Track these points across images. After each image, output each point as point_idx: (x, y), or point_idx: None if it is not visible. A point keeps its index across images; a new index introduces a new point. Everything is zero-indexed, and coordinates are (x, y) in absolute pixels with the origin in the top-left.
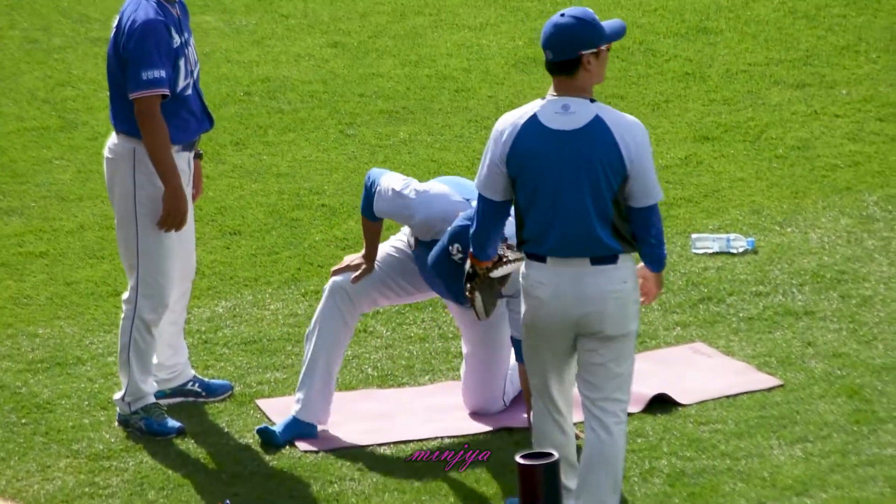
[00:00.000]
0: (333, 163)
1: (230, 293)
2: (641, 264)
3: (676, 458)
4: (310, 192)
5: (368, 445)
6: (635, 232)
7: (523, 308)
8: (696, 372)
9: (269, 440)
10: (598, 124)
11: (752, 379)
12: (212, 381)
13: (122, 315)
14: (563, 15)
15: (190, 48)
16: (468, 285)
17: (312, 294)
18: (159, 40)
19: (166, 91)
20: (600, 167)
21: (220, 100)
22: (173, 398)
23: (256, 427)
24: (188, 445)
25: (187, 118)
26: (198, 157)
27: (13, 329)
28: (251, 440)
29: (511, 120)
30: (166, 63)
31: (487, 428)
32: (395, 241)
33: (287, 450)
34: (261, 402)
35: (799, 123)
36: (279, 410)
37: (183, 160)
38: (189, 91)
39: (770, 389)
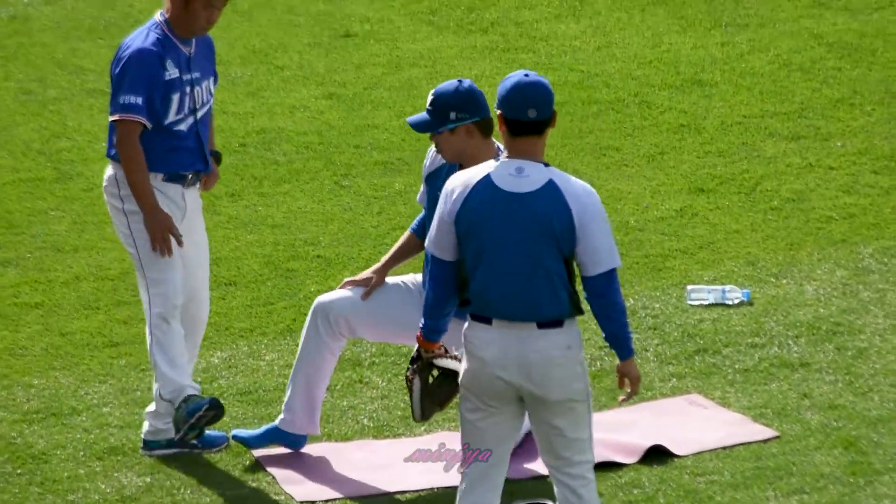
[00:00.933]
0: (329, 214)
1: (226, 344)
2: (618, 362)
3: None
4: (305, 242)
5: (365, 496)
6: (593, 308)
7: (463, 374)
8: (691, 423)
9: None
10: (550, 188)
11: (748, 430)
12: (208, 432)
13: (146, 317)
14: (527, 75)
15: (195, 86)
16: (410, 367)
17: None
18: (144, 69)
19: (140, 119)
20: (551, 231)
21: None
22: (169, 449)
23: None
24: (185, 496)
25: (179, 150)
26: (215, 157)
27: (8, 380)
28: (247, 491)
29: (463, 179)
30: (148, 93)
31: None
32: (410, 277)
33: (284, 500)
34: (257, 453)
35: (794, 175)
36: (276, 460)
37: (173, 191)
38: (182, 127)
39: (766, 441)
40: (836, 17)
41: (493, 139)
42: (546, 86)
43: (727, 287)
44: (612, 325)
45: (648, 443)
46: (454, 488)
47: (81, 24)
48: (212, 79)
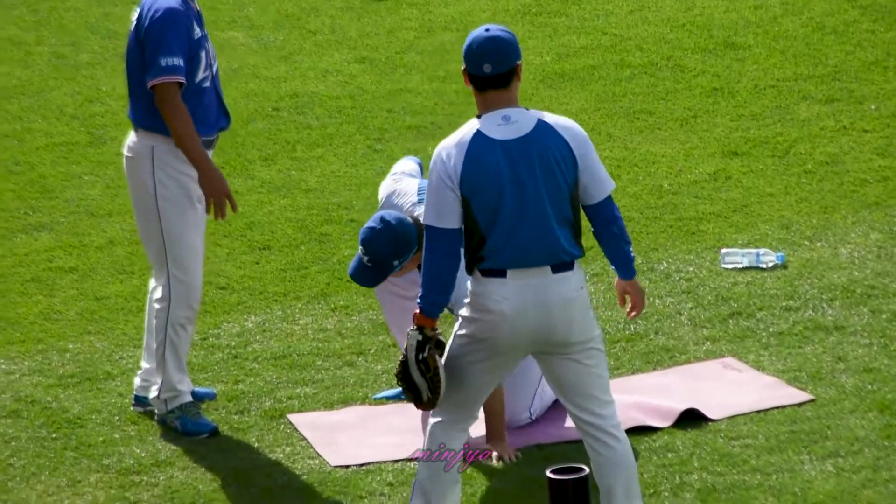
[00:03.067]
0: (362, 178)
1: (260, 308)
2: (617, 279)
3: (707, 473)
4: (338, 207)
5: (399, 460)
6: (598, 232)
7: (473, 326)
8: (726, 387)
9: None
10: (543, 127)
11: (782, 394)
12: (198, 388)
13: (156, 312)
14: (488, 30)
15: (209, 42)
16: (421, 353)
17: (342, 309)
18: (180, 29)
19: (182, 79)
20: (556, 167)
21: (248, 115)
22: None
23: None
24: (218, 460)
25: (205, 113)
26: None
27: (43, 344)
28: (282, 455)
29: (453, 142)
30: (185, 52)
31: (516, 444)
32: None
33: (318, 464)
34: (292, 417)
35: (828, 139)
36: (310, 424)
37: None
38: (207, 84)
39: (801, 404)
40: None
41: None
42: (501, 39)
43: (761, 250)
44: (622, 245)
45: (682, 407)
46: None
47: None
48: None
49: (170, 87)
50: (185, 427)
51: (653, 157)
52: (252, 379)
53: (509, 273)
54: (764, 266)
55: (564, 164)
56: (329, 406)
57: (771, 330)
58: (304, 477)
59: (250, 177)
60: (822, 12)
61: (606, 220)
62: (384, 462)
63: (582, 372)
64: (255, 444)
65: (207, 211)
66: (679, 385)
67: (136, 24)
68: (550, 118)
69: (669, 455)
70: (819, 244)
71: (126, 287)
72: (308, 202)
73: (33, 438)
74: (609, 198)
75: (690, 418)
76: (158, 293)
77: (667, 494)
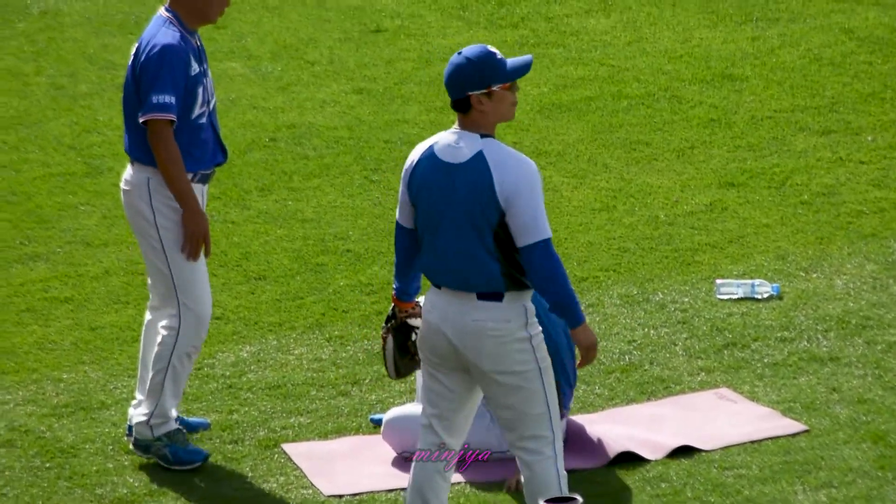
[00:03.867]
0: (358, 208)
1: (255, 338)
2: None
3: None
4: (335, 237)
5: (392, 489)
6: (530, 279)
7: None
8: (720, 417)
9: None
10: (477, 158)
11: (776, 424)
12: (191, 418)
13: (161, 339)
14: (459, 53)
15: (207, 78)
16: (385, 326)
17: (337, 339)
18: (176, 66)
19: (173, 117)
20: (476, 202)
21: (245, 146)
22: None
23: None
24: (212, 490)
25: (201, 149)
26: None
27: (38, 374)
28: (275, 484)
29: (417, 150)
30: (179, 90)
31: (507, 474)
32: None
33: (311, 494)
34: (286, 446)
35: (824, 170)
36: (304, 454)
37: (196, 192)
38: (203, 120)
39: (795, 435)
40: (867, 12)
41: None
42: (456, 67)
43: (757, 281)
44: (550, 295)
45: (676, 442)
46: (484, 483)
47: (112, 19)
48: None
49: (161, 124)
50: (177, 456)
51: (649, 187)
52: (246, 409)
53: (443, 288)
54: (759, 297)
55: (486, 204)
56: (323, 436)
57: (766, 361)
58: None
59: (247, 207)
60: (819, 44)
61: (529, 266)
62: (377, 491)
63: (499, 402)
64: (249, 474)
65: (184, 248)
66: (673, 416)
67: (134, 58)
68: (493, 152)
69: (663, 485)
70: (814, 275)
71: (121, 317)
72: (304, 232)
73: (27, 468)
74: (534, 246)
75: (684, 449)
76: (165, 321)
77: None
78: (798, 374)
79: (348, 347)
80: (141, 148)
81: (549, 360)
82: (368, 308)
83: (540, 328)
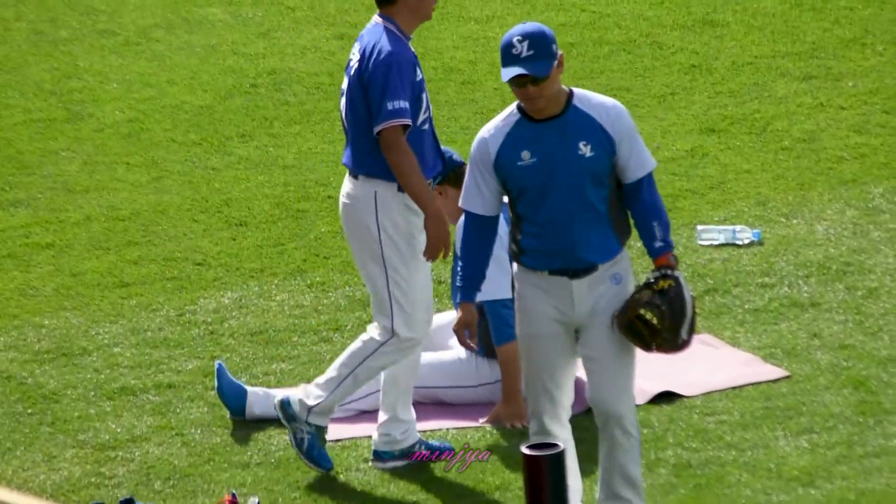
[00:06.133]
0: (339, 155)
1: (236, 284)
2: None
3: (682, 449)
4: (316, 183)
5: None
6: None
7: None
8: (701, 363)
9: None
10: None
11: (757, 370)
12: (432, 442)
13: (362, 342)
14: (524, 24)
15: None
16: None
17: (318, 285)
18: (404, 71)
19: (408, 121)
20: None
21: (226, 92)
22: (400, 461)
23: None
24: (194, 436)
25: (424, 156)
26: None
27: (19, 320)
28: (258, 431)
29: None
30: (410, 95)
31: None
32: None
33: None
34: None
35: (805, 116)
36: None
37: (403, 200)
38: (426, 126)
39: (776, 381)
40: None
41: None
42: (527, 33)
43: (737, 227)
44: None
45: (658, 388)
46: (468, 428)
47: None
48: None
49: (397, 130)
50: (311, 451)
51: None
52: (228, 355)
53: None
54: (740, 243)
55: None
56: (306, 381)
57: (747, 306)
58: (280, 453)
59: (227, 153)
60: None
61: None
62: (360, 438)
63: None
64: (231, 420)
65: (427, 253)
66: (655, 361)
67: (358, 67)
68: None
69: (644, 431)
70: (795, 221)
71: (102, 263)
72: (285, 179)
73: (9, 414)
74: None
75: (666, 395)
76: (375, 330)
77: (642, 470)
78: (779, 319)
79: (330, 294)
80: (368, 160)
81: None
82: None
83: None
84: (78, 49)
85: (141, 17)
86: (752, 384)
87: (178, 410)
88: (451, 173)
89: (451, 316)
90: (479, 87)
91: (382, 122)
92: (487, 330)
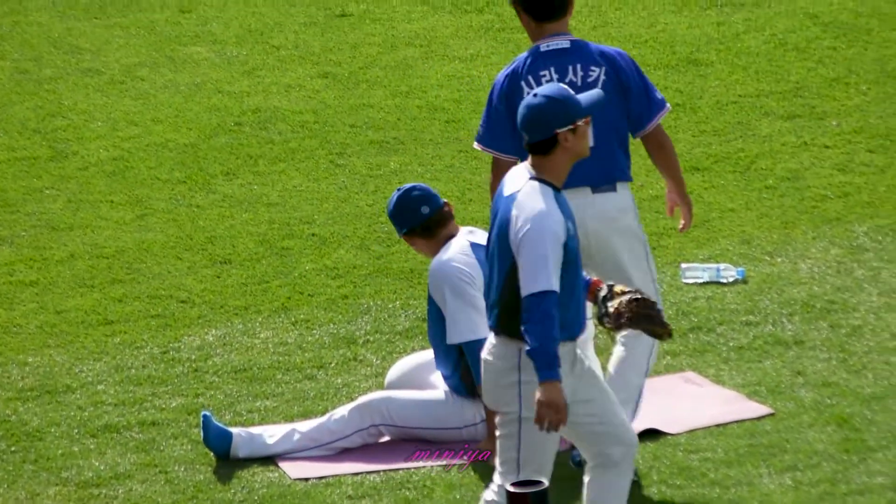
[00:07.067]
0: (324, 192)
1: (220, 322)
2: None
3: (666, 487)
4: (300, 221)
5: (358, 473)
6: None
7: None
8: (686, 401)
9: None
10: (511, 198)
11: (742, 408)
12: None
13: (636, 352)
14: (535, 95)
15: None
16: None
17: (302, 323)
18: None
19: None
20: (503, 236)
21: (210, 130)
22: None
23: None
24: (178, 474)
25: None
26: None
27: (3, 357)
28: (242, 468)
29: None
30: None
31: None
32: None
33: (277, 477)
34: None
35: (789, 154)
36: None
37: None
38: None
39: (760, 418)
40: None
41: (452, 225)
42: (537, 106)
43: (722, 265)
44: (530, 341)
45: (642, 426)
46: (450, 467)
47: (77, 3)
48: None
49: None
50: None
51: None
52: (212, 392)
53: None
54: (724, 281)
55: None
56: (289, 419)
57: (731, 344)
58: (264, 490)
59: (212, 191)
60: (784, 29)
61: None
62: (343, 475)
63: None
64: (215, 459)
65: (683, 228)
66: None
67: (613, 73)
68: (524, 194)
69: None
70: (779, 259)
71: (87, 300)
72: (270, 216)
73: None
74: (526, 298)
75: (650, 432)
76: (645, 340)
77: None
78: (763, 357)
79: (314, 331)
80: (626, 166)
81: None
82: (334, 292)
83: (535, 377)
84: (62, 87)
85: (125, 55)
86: (736, 421)
87: (161, 448)
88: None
89: (431, 353)
90: (464, 126)
91: (659, 112)
92: (468, 370)
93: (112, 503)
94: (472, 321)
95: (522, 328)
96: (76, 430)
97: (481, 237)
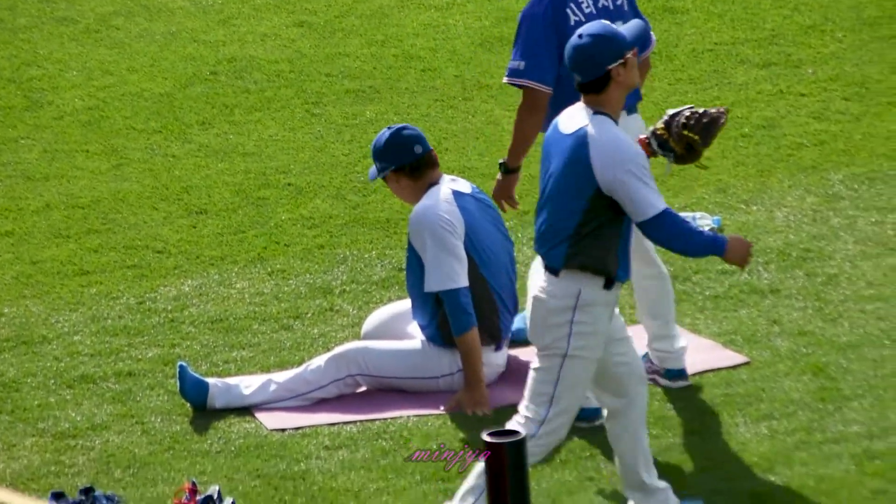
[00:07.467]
0: (300, 142)
1: (196, 272)
2: None
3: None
4: (276, 171)
5: (335, 424)
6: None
7: None
8: None
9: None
10: (580, 134)
11: (718, 356)
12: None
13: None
14: (580, 36)
15: None
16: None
17: (279, 273)
18: None
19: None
20: (572, 175)
21: (186, 79)
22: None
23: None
24: (154, 424)
25: None
26: None
27: None
28: (218, 419)
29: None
30: None
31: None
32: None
33: (254, 428)
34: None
35: (765, 102)
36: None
37: None
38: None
39: (736, 367)
40: None
41: (437, 172)
42: (585, 46)
43: (697, 214)
44: (684, 254)
45: None
46: (429, 416)
47: None
48: None
49: None
50: None
51: None
52: (188, 343)
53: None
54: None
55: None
56: (265, 369)
57: (707, 293)
58: (241, 441)
59: (188, 141)
60: None
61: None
62: (320, 425)
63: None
64: (191, 409)
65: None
66: None
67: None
68: (597, 130)
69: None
70: (755, 208)
71: (62, 251)
72: (245, 166)
73: None
74: (643, 223)
75: None
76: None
77: (603, 458)
78: (739, 306)
79: (290, 281)
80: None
81: (583, 350)
82: (310, 241)
83: (588, 317)
84: (37, 37)
85: (100, 4)
86: (713, 370)
87: (138, 398)
88: (407, 165)
89: (408, 304)
90: (440, 75)
91: None
92: (446, 319)
93: (89, 454)
94: (453, 269)
95: (671, 248)
96: (52, 381)
97: (464, 185)
